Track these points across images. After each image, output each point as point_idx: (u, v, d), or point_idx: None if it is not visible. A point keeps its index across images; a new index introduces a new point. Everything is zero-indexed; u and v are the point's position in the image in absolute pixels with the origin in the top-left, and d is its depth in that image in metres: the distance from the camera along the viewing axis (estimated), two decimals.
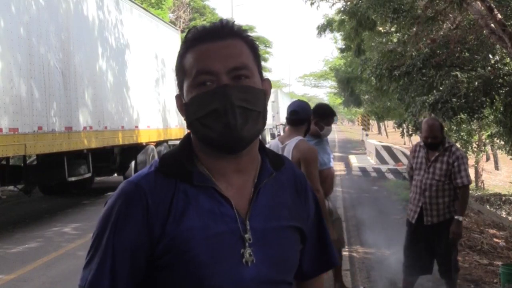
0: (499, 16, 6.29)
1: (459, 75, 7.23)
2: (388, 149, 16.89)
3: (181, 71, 1.14)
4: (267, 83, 1.18)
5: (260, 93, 1.12)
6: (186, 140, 1.18)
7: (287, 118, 3.87)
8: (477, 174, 20.53)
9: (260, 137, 1.18)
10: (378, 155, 16.96)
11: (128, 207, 1.07)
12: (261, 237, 1.11)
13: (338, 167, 17.58)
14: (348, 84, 21.03)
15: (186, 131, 1.34)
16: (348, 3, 10.37)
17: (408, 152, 17.61)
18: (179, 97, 1.17)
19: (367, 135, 28.26)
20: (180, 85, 1.15)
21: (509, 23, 6.56)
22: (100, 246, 1.07)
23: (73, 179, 9.81)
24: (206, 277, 1.05)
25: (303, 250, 1.24)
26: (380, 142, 20.42)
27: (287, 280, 1.18)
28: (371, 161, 17.99)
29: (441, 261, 4.32)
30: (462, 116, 7.06)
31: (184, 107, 1.12)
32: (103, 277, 1.05)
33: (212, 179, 1.11)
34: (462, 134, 12.76)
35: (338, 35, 22.66)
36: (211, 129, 1.08)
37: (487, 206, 13.36)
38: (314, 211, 1.28)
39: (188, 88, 1.11)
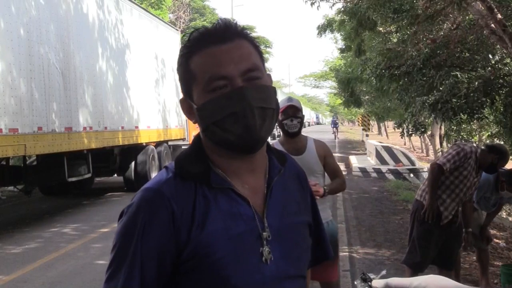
0: (499, 16, 6.29)
1: (459, 75, 7.21)
2: (388, 150, 16.87)
3: (187, 75, 1.12)
4: (270, 78, 1.18)
5: (272, 90, 1.13)
6: (197, 142, 1.17)
7: None
8: None
9: None
10: (378, 155, 16.94)
11: (153, 214, 1.06)
12: (278, 234, 1.12)
13: None
14: (348, 84, 20.99)
15: (193, 132, 1.33)
16: (348, 3, 10.36)
17: (408, 153, 17.60)
18: (185, 101, 1.15)
19: (367, 135, 28.25)
20: (187, 90, 1.13)
21: (509, 23, 6.55)
22: (127, 256, 1.05)
23: (73, 179, 9.83)
24: (230, 277, 1.06)
25: None
26: (380, 142, 20.38)
27: (302, 274, 1.20)
28: (371, 162, 17.98)
29: (455, 256, 4.51)
30: (462, 116, 7.04)
31: (197, 112, 1.10)
32: (133, 285, 1.04)
33: (228, 180, 1.12)
34: (462, 134, 12.73)
35: (338, 35, 22.64)
36: (230, 132, 1.07)
37: None
38: (311, 204, 1.30)
39: (200, 94, 1.10)
